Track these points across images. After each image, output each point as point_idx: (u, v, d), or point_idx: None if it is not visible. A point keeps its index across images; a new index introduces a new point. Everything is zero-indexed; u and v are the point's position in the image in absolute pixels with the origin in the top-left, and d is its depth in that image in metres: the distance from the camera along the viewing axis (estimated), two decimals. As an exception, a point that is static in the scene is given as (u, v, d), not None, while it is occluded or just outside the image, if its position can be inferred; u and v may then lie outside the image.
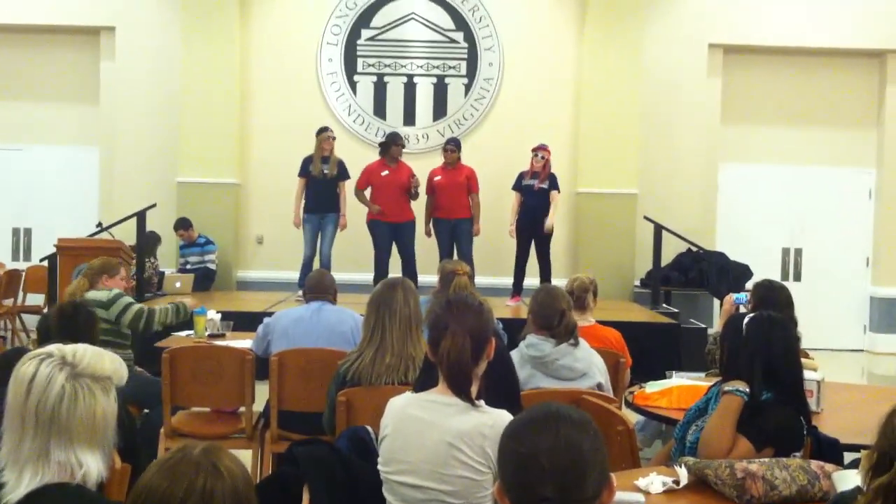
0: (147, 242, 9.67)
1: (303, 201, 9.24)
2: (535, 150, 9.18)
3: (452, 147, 9.32)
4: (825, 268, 11.14)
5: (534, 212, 9.05)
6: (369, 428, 3.06)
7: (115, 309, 5.27)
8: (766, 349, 3.15)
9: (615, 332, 5.12)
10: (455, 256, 8.83)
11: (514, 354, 4.08)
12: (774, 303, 4.35)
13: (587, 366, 4.15)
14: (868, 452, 1.95)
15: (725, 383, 3.18)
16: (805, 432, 3.14)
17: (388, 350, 3.65)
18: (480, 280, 8.67)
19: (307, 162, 9.22)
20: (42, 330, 4.10)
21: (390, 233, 9.20)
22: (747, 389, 3.09)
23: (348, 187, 9.28)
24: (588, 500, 1.62)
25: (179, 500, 1.57)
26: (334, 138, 9.32)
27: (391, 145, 9.21)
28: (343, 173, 9.26)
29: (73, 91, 11.10)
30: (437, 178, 9.32)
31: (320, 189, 9.16)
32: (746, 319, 3.23)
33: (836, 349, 10.60)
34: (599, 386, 4.14)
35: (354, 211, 9.32)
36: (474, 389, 2.60)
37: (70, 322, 3.99)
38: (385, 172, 9.16)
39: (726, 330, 3.34)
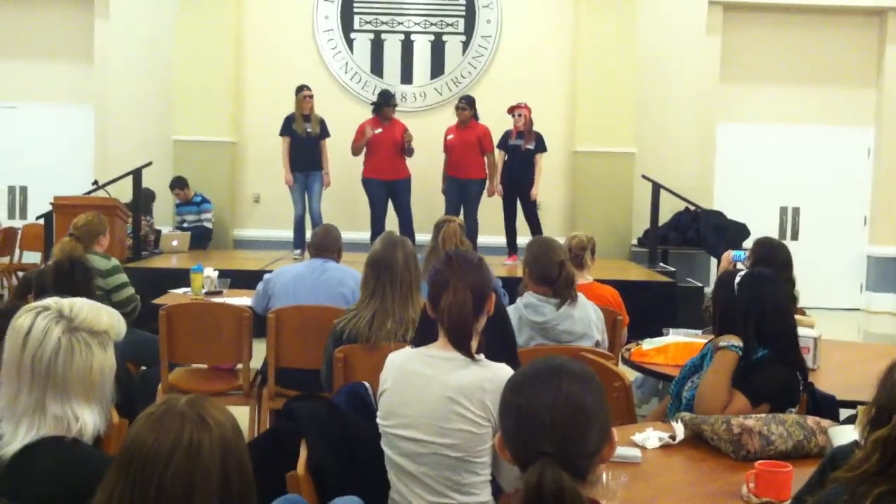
0: (142, 200, 9.63)
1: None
2: (511, 110, 9.04)
3: (463, 105, 9.16)
4: (822, 227, 11.11)
5: (517, 172, 8.98)
6: (367, 384, 3.06)
7: (112, 282, 5.21)
8: (758, 306, 3.15)
9: (613, 290, 5.12)
10: (461, 216, 8.76)
11: (511, 313, 4.03)
12: (773, 261, 4.35)
13: (586, 326, 4.12)
14: (866, 407, 1.95)
15: (719, 339, 3.18)
16: (801, 388, 3.15)
17: (389, 316, 3.61)
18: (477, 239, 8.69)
19: (289, 121, 9.18)
20: (37, 284, 4.09)
21: (385, 190, 9.16)
22: (741, 344, 3.10)
23: (330, 145, 9.24)
24: (589, 455, 1.62)
25: (167, 454, 1.55)
26: (312, 96, 9.24)
27: (383, 106, 9.14)
28: (325, 131, 9.23)
29: (67, 49, 10.99)
30: (450, 136, 9.22)
31: (304, 147, 9.14)
32: (738, 278, 3.23)
33: (833, 308, 10.61)
34: (597, 344, 4.14)
35: (344, 169, 9.25)
36: (474, 344, 2.60)
37: (67, 277, 3.98)
38: (378, 130, 9.09)
39: (718, 288, 3.34)
